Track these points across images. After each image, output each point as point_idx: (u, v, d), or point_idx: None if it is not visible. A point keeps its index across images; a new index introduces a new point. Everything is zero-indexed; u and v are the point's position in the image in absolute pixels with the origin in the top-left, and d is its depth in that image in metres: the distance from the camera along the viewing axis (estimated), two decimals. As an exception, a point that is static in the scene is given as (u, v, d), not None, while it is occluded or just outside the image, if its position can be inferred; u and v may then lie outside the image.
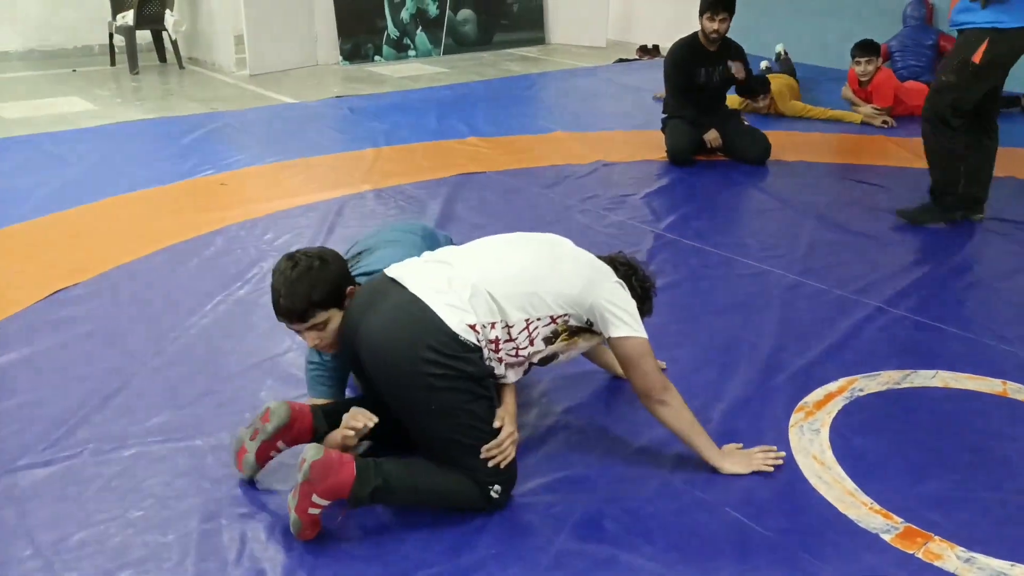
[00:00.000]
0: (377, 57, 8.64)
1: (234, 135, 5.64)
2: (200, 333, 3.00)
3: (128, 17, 7.70)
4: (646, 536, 2.02)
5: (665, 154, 5.06)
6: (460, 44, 9.20)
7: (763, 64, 6.99)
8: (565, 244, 2.31)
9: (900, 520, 2.07)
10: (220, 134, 5.64)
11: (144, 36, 8.19)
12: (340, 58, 8.42)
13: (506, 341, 2.07)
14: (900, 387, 2.66)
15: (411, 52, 8.87)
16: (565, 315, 2.13)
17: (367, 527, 2.06)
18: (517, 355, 2.11)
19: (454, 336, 1.98)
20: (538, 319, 2.10)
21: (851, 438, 2.39)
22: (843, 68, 7.39)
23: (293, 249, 2.29)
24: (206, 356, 2.85)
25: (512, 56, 9.08)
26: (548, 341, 2.14)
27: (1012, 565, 1.93)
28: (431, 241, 2.59)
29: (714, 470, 2.21)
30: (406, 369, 1.97)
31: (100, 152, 5.16)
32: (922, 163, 4.96)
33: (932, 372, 2.73)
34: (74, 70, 7.95)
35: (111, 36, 8.08)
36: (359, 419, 2.06)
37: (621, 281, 2.23)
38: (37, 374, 2.73)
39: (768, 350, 2.87)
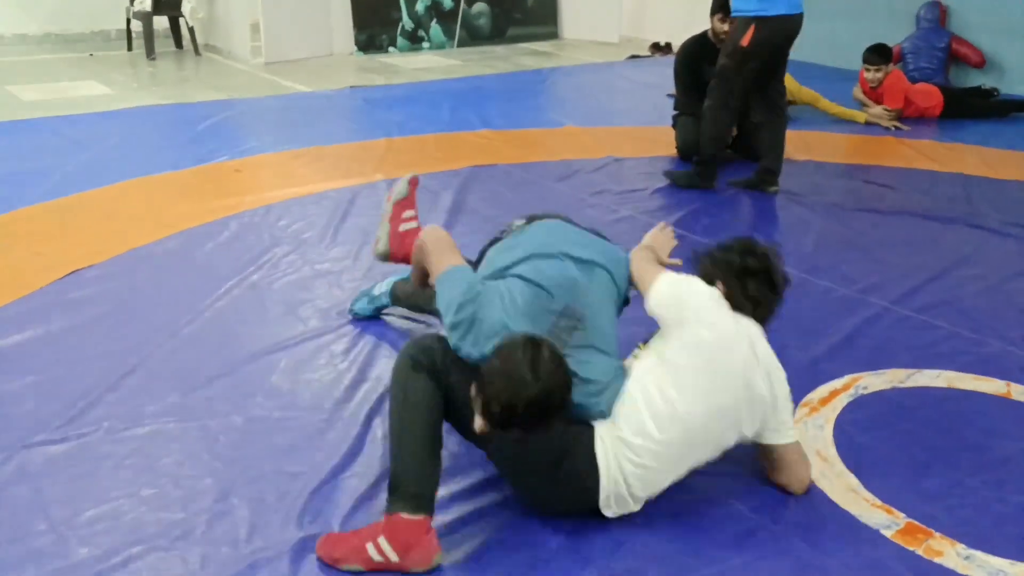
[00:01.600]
0: (391, 48, 8.66)
1: (249, 123, 5.67)
2: (214, 316, 3.04)
3: (146, 3, 7.74)
4: (650, 527, 2.05)
5: (675, 150, 5.07)
6: (474, 37, 9.21)
7: None
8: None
9: (902, 516, 2.10)
10: (235, 121, 5.68)
11: (161, 22, 8.22)
12: (355, 48, 8.45)
13: None
14: (904, 386, 2.68)
15: (425, 44, 8.89)
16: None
17: (367, 508, 2.09)
18: None
19: None
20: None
21: (855, 435, 2.42)
22: (855, 69, 7.38)
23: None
24: (219, 339, 2.89)
25: (525, 50, 9.09)
26: None
27: (1012, 563, 1.96)
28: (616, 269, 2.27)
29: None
30: None
31: (116, 136, 5.21)
32: (932, 164, 5.00)
33: (936, 372, 2.75)
34: (91, 55, 7.99)
35: (128, 21, 8.12)
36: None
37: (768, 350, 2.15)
38: (53, 353, 2.78)
39: (774, 346, 2.84)
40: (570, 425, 1.99)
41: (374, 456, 2.30)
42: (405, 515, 1.89)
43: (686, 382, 2.00)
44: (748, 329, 2.09)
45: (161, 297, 3.18)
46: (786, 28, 4.22)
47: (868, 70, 5.89)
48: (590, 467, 1.98)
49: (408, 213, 2.51)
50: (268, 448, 2.33)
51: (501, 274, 2.12)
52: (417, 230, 2.47)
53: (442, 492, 2.02)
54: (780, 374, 2.11)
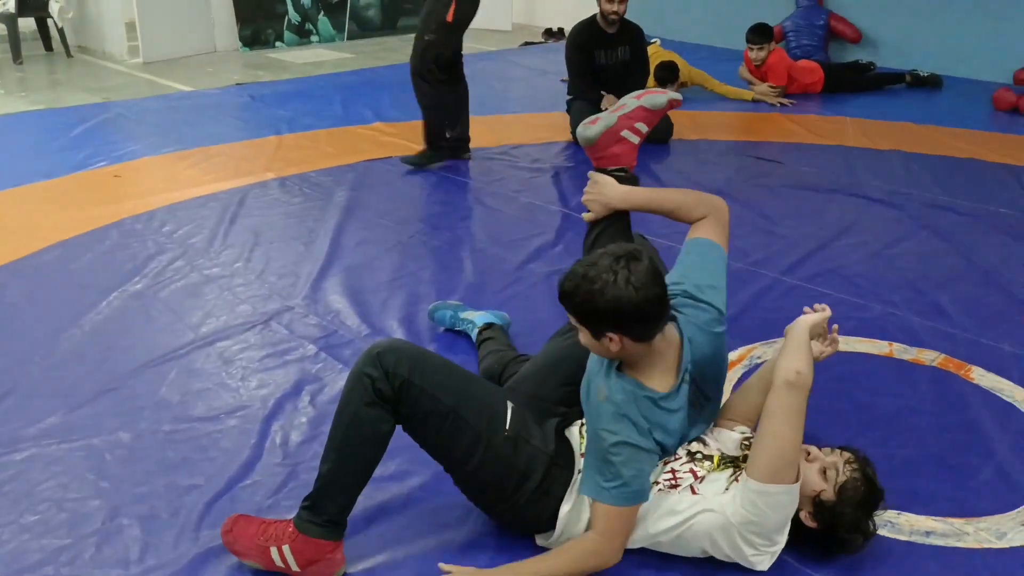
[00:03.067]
0: (278, 43, 8.43)
1: (128, 125, 5.42)
2: (95, 330, 2.89)
3: (9, 4, 7.29)
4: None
5: (571, 135, 5.10)
6: (364, 29, 9.06)
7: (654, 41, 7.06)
8: None
9: (797, 479, 2.15)
10: (112, 125, 5.42)
11: (28, 24, 7.78)
12: (239, 44, 8.19)
13: None
14: (796, 353, 2.76)
15: (314, 38, 8.69)
16: None
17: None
18: None
19: None
20: None
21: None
22: (739, 48, 7.58)
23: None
24: (102, 354, 2.74)
25: (417, 41, 9.00)
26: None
27: (898, 514, 2.04)
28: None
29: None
30: None
31: (-18, 146, 4.90)
32: (816, 139, 5.18)
33: (826, 337, 2.85)
34: (-49, 61, 7.51)
35: (-9, 24, 7.66)
36: None
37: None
38: (-82, 380, 2.59)
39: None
40: (552, 466, 1.88)
41: (271, 463, 2.23)
42: (316, 538, 1.83)
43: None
44: None
45: (36, 313, 3.00)
46: (477, 3, 4.46)
47: (752, 49, 6.06)
48: (547, 511, 1.88)
49: (641, 126, 2.25)
50: (159, 463, 2.23)
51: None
52: (635, 148, 2.27)
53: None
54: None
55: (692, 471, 1.84)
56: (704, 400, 1.95)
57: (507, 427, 1.87)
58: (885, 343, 2.82)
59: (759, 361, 2.71)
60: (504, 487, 1.86)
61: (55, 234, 3.64)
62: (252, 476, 2.19)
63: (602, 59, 5.08)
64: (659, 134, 5.06)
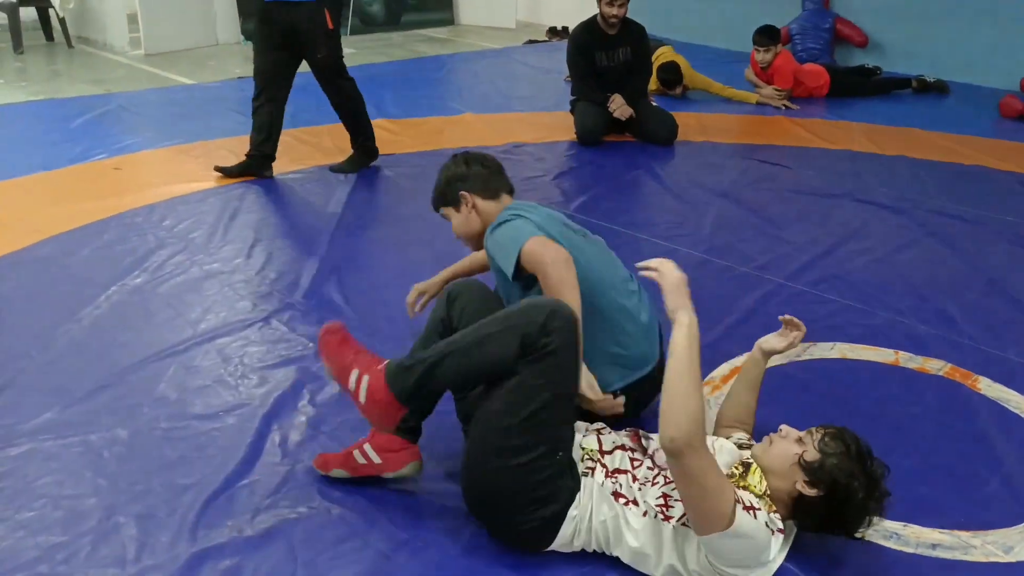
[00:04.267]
0: (281, 37, 8.39)
1: (128, 118, 5.39)
2: (93, 325, 2.86)
3: (11, -8, 7.27)
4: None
5: (575, 135, 5.08)
6: (367, 25, 9.02)
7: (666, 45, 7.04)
8: None
9: (802, 488, 2.13)
10: (113, 117, 5.38)
11: (29, 14, 7.74)
12: (241, 38, 8.15)
13: None
14: (801, 359, 2.74)
15: (317, 32, 8.65)
16: None
17: (273, 515, 2.00)
18: None
19: None
20: None
21: (757, 410, 2.44)
22: (745, 50, 7.54)
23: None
24: (100, 349, 2.72)
25: (421, 37, 8.97)
26: None
27: (904, 525, 2.02)
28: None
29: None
30: None
31: (-19, 136, 4.87)
32: (821, 142, 5.16)
33: (831, 344, 2.82)
34: (-48, 49, 7.47)
35: (-8, 13, 7.62)
36: None
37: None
38: (-87, 372, 2.56)
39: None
40: (559, 478, 1.86)
41: (270, 462, 2.20)
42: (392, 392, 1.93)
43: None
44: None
45: (34, 307, 2.97)
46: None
47: (758, 51, 6.03)
48: (544, 540, 1.88)
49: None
50: (156, 461, 2.20)
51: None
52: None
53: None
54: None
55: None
56: None
57: (565, 452, 1.88)
58: (891, 351, 2.80)
59: (764, 367, 2.67)
60: (519, 502, 1.84)
61: (53, 227, 3.61)
62: (251, 475, 2.16)
63: (603, 60, 5.05)
64: (664, 135, 5.04)
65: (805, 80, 6.12)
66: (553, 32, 8.96)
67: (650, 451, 1.95)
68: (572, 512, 1.85)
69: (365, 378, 1.95)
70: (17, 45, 7.34)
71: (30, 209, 3.82)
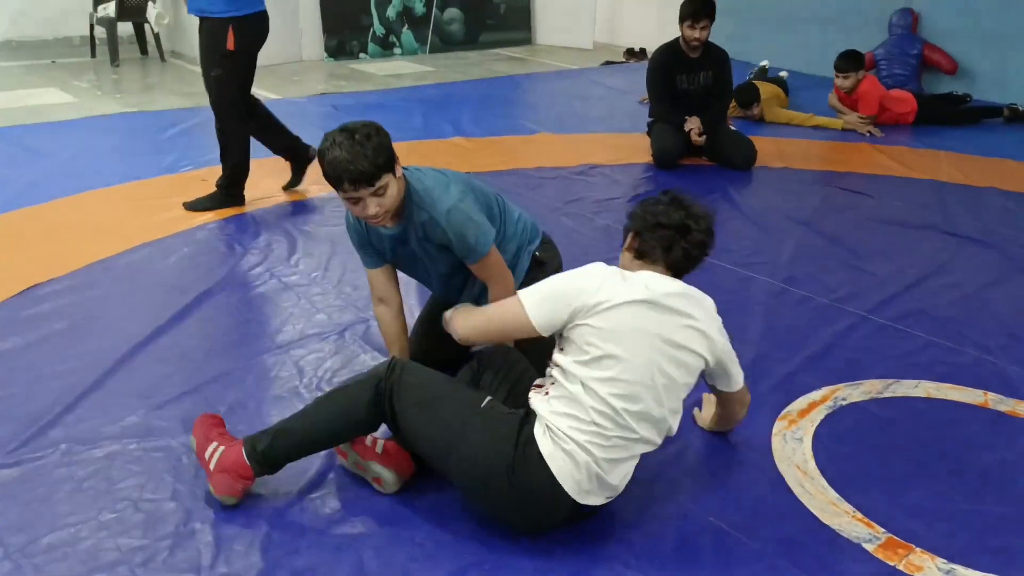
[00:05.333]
0: (362, 54, 8.58)
1: (215, 130, 5.55)
2: (178, 332, 2.94)
3: (110, 9, 7.61)
4: (627, 544, 2.00)
5: (651, 157, 5.05)
6: (446, 43, 9.16)
7: (764, 63, 6.95)
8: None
9: (882, 530, 2.06)
10: (201, 129, 5.57)
11: (125, 28, 8.09)
12: (325, 55, 8.36)
13: None
14: (883, 396, 2.65)
15: (397, 50, 8.82)
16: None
17: (343, 530, 2.02)
18: None
19: None
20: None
21: (834, 447, 2.38)
22: (829, 75, 7.40)
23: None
24: (183, 355, 2.80)
25: (498, 56, 9.06)
26: None
27: (993, 577, 1.93)
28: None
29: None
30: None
31: (78, 145, 5.09)
32: (906, 171, 5.01)
33: (915, 382, 2.73)
34: (53, 61, 7.84)
35: (92, 27, 7.98)
36: None
37: (717, 317, 2.12)
38: (10, 371, 2.68)
39: (752, 357, 2.86)
40: (515, 435, 1.95)
41: (344, 477, 2.23)
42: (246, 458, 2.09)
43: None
44: (643, 279, 1.99)
45: (122, 312, 3.08)
46: (263, 27, 4.03)
47: (839, 77, 5.90)
48: (542, 471, 1.91)
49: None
50: (233, 469, 2.24)
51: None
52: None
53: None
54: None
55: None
56: None
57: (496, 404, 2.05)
58: (980, 392, 2.69)
59: (843, 403, 2.60)
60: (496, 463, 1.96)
61: (143, 235, 3.74)
62: (323, 488, 2.18)
63: (684, 83, 5.01)
64: (743, 160, 4.98)
65: (891, 106, 5.97)
66: (631, 53, 8.95)
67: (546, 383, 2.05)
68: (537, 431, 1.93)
69: (220, 448, 2.12)
70: (114, 58, 7.67)
71: (122, 217, 3.98)
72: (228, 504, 2.09)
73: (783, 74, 6.88)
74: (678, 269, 2.08)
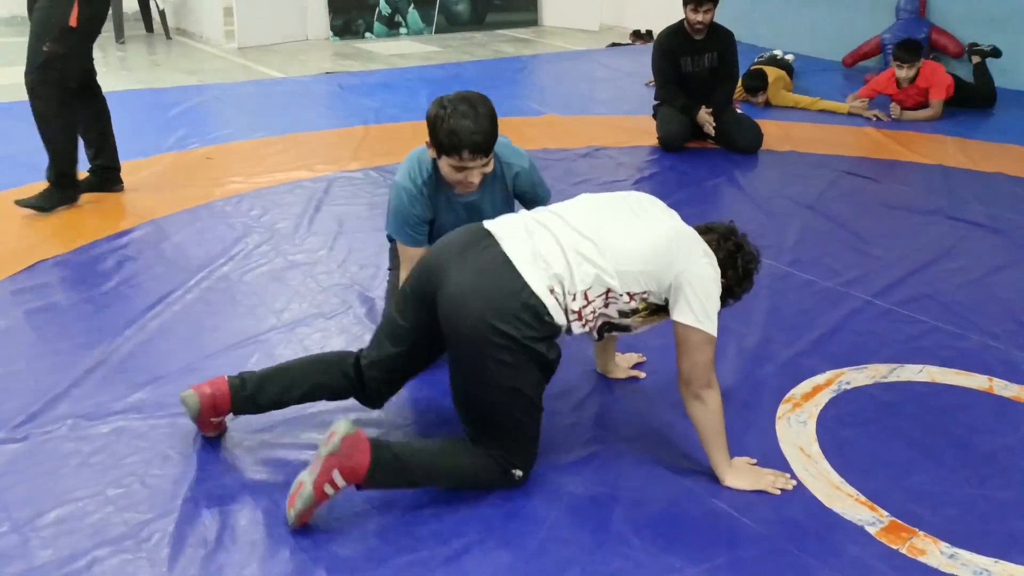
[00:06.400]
0: (368, 34, 8.54)
1: (221, 109, 5.56)
2: (183, 309, 2.95)
3: (115, -15, 7.57)
4: (633, 524, 2.01)
5: (657, 140, 5.03)
6: (452, 23, 9.11)
7: (788, 57, 6.87)
8: (659, 214, 2.18)
9: (886, 514, 2.07)
10: (207, 107, 5.56)
11: (131, 5, 8.05)
12: (330, 33, 8.32)
13: (588, 310, 2.05)
14: (887, 381, 2.66)
15: (402, 30, 8.77)
16: (645, 292, 2.09)
17: (348, 510, 2.03)
18: (598, 319, 2.10)
19: (534, 308, 1.96)
20: (618, 295, 2.06)
21: (838, 431, 2.39)
22: (835, 59, 7.38)
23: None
24: (189, 332, 2.80)
25: (504, 37, 9.01)
26: (623, 315, 2.12)
27: (996, 562, 1.93)
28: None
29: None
30: (475, 335, 1.94)
31: (84, 122, 5.07)
32: (913, 155, 4.99)
33: (919, 367, 2.73)
34: (58, 37, 7.81)
35: (97, 4, 7.94)
36: None
37: (712, 258, 2.13)
38: (15, 346, 2.69)
39: (756, 340, 2.86)
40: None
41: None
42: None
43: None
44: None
45: (127, 289, 3.09)
46: (107, 6, 3.75)
47: (900, 67, 5.67)
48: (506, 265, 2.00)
49: (337, 478, 1.93)
50: (239, 446, 2.26)
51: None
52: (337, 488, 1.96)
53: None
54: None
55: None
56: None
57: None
58: (984, 377, 2.69)
59: (848, 387, 2.61)
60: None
61: (149, 212, 3.74)
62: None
63: (689, 66, 4.98)
64: (748, 143, 4.96)
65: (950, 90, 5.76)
66: (637, 35, 8.89)
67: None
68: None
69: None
70: (119, 35, 7.63)
71: (127, 194, 3.98)
72: (188, 406, 2.15)
73: (789, 57, 6.82)
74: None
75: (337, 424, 1.93)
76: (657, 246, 2.07)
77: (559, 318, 2.01)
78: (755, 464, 2.22)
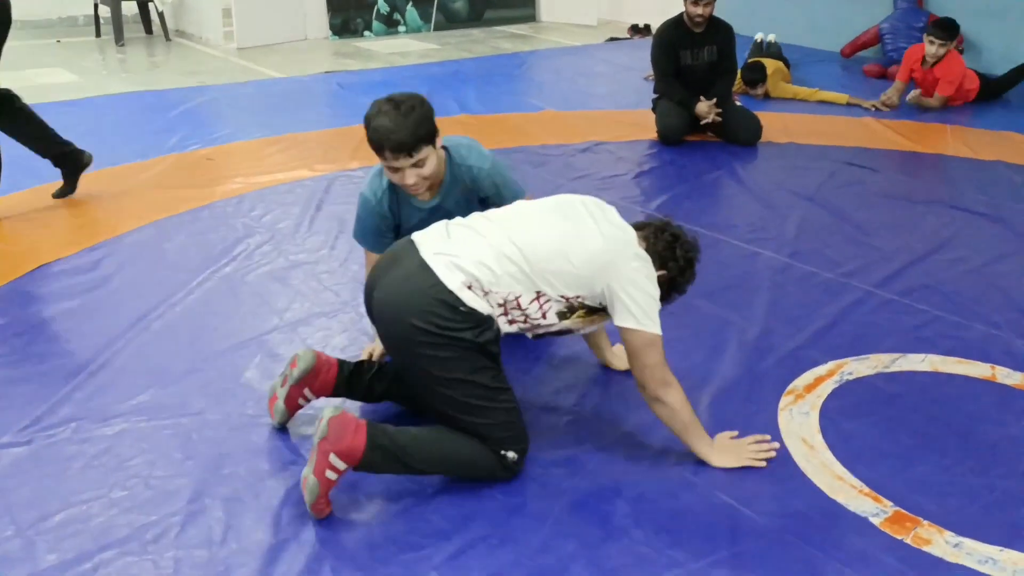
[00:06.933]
0: (367, 32, 8.53)
1: (221, 109, 5.56)
2: (186, 310, 2.96)
3: (113, -13, 7.57)
4: (635, 519, 2.01)
5: (656, 134, 5.02)
6: (451, 20, 9.10)
7: (771, 37, 6.83)
8: (602, 216, 2.19)
9: (890, 504, 2.07)
10: (207, 108, 5.56)
11: (130, 7, 8.05)
12: (329, 33, 8.32)
13: (514, 308, 2.08)
14: (889, 371, 2.66)
15: (401, 28, 8.77)
16: (578, 296, 2.11)
17: (353, 508, 2.04)
18: (526, 322, 2.12)
19: (454, 305, 2.00)
20: (549, 297, 2.09)
21: (840, 422, 2.39)
22: (833, 49, 7.37)
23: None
24: (191, 333, 2.81)
25: (503, 33, 9.00)
26: (562, 316, 2.14)
27: (1000, 550, 1.94)
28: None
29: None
30: (401, 338, 2.04)
31: (84, 125, 5.07)
32: (913, 146, 4.99)
33: (921, 356, 2.73)
34: (58, 41, 7.82)
35: (96, 7, 7.95)
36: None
37: (645, 260, 2.13)
38: (19, 350, 2.69)
39: (757, 332, 2.86)
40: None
41: (352, 452, 2.24)
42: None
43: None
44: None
45: (130, 291, 3.09)
46: (10, 13, 3.68)
47: (932, 43, 5.54)
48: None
49: (336, 461, 1.96)
50: (243, 446, 2.26)
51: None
52: (339, 472, 1.99)
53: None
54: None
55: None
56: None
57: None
58: (987, 366, 2.68)
59: (850, 378, 2.61)
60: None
61: (151, 213, 3.75)
62: (332, 464, 2.20)
63: (688, 59, 4.97)
64: (748, 136, 4.95)
65: (966, 83, 5.74)
66: (635, 30, 8.88)
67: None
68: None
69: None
70: (119, 38, 7.64)
71: (130, 196, 3.98)
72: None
73: (772, 37, 6.72)
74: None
75: (322, 411, 1.99)
76: (585, 252, 2.09)
77: (481, 307, 2.03)
78: (735, 436, 2.27)
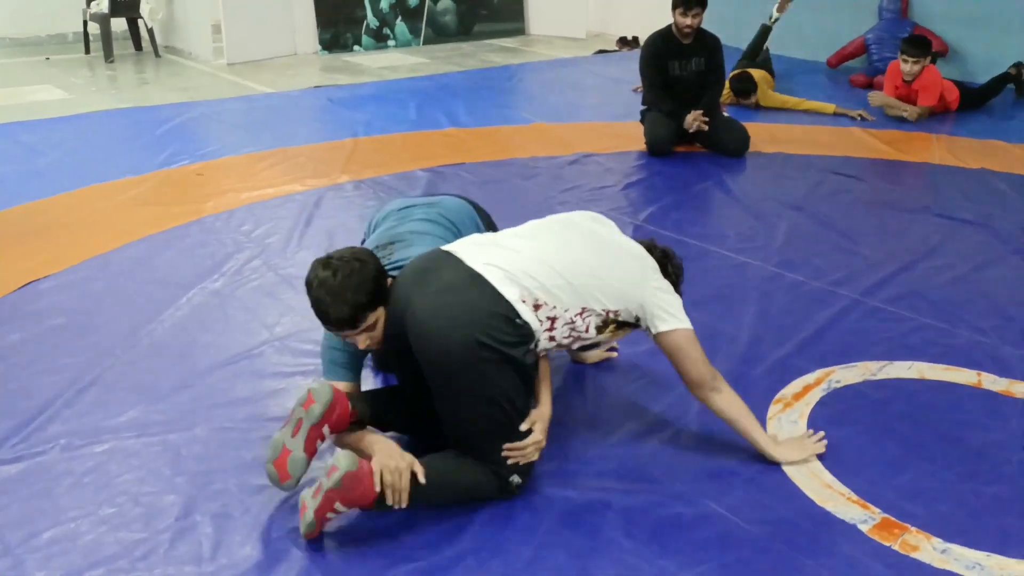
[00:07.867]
0: (356, 47, 8.56)
1: (211, 125, 5.57)
2: (175, 326, 2.96)
3: (103, 4, 7.58)
4: (625, 529, 2.02)
5: (644, 145, 5.05)
6: (440, 34, 9.14)
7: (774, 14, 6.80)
8: (614, 233, 2.28)
9: (877, 511, 2.08)
10: (197, 124, 5.57)
11: (119, 24, 8.06)
12: (319, 47, 8.34)
13: (565, 324, 2.07)
14: (876, 378, 2.67)
15: (391, 42, 8.80)
16: (616, 310, 2.14)
17: (345, 522, 2.04)
18: (570, 336, 2.10)
19: (511, 318, 1.96)
20: (593, 311, 2.11)
21: (829, 430, 2.39)
22: (819, 60, 7.43)
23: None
24: (181, 350, 2.81)
25: (492, 47, 9.04)
26: (599, 330, 2.16)
27: (988, 556, 1.95)
28: (465, 229, 2.51)
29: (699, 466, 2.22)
30: (459, 354, 1.92)
31: (74, 141, 5.08)
32: (897, 154, 5.03)
33: (908, 363, 2.75)
34: (47, 58, 7.82)
35: (85, 24, 7.96)
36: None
37: (659, 270, 2.24)
38: (8, 367, 2.69)
39: (746, 341, 2.88)
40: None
41: (342, 466, 2.24)
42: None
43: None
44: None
45: (120, 307, 3.09)
46: None
47: (906, 62, 5.67)
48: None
49: (339, 507, 1.95)
50: (232, 462, 2.26)
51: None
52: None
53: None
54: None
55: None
56: None
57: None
58: (973, 372, 2.70)
59: (838, 386, 2.62)
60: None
61: (139, 230, 3.75)
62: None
63: (676, 70, 5.01)
64: (736, 146, 4.98)
65: (946, 95, 5.82)
66: (623, 42, 8.93)
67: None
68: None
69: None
70: (108, 54, 7.65)
71: (119, 212, 3.98)
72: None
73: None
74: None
75: (338, 459, 1.91)
76: (621, 267, 2.17)
77: (532, 322, 2.01)
78: (799, 437, 2.32)
